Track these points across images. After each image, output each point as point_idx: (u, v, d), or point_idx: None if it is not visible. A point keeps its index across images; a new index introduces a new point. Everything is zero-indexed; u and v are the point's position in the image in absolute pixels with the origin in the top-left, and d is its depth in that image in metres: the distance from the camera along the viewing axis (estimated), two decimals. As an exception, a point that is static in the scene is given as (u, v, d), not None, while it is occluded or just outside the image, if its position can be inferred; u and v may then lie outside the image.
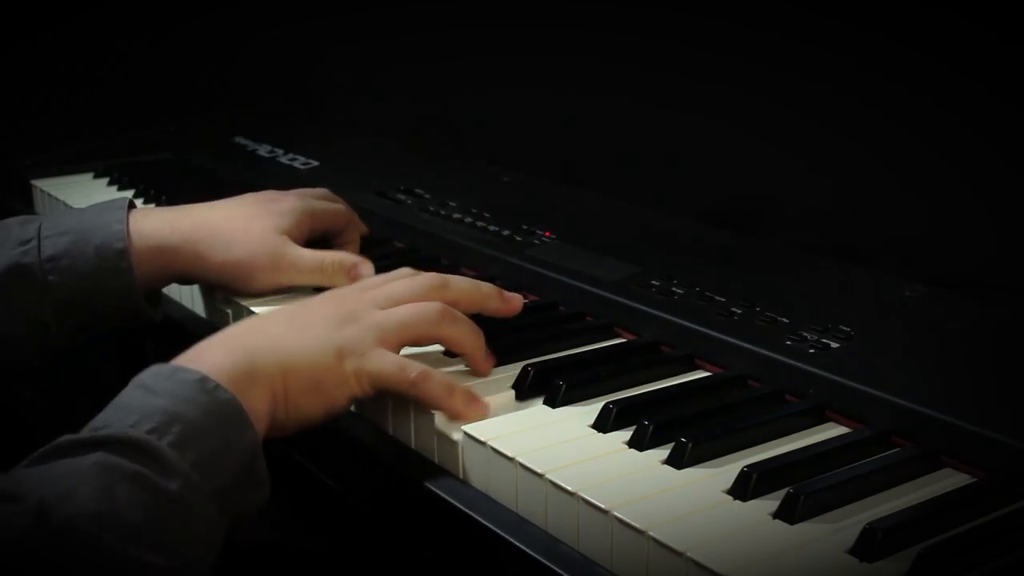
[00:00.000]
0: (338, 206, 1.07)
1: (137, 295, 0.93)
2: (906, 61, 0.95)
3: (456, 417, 0.75)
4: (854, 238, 1.01)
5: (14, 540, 0.57)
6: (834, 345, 0.80)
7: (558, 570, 0.65)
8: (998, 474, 0.67)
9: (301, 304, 0.84)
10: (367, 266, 0.98)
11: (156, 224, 0.95)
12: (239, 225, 0.97)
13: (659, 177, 1.19)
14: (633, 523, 0.61)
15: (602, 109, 1.26)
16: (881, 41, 0.96)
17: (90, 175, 1.50)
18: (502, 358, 0.84)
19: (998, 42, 0.88)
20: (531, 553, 0.66)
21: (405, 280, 0.85)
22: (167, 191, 1.37)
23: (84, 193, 1.40)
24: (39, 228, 0.94)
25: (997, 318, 0.85)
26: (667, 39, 1.15)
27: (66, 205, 1.35)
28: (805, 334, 0.82)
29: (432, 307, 0.81)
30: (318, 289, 0.96)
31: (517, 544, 0.67)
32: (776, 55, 1.05)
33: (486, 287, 0.87)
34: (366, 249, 1.16)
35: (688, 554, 0.58)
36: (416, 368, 0.76)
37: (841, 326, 0.82)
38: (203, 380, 0.69)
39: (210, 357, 0.72)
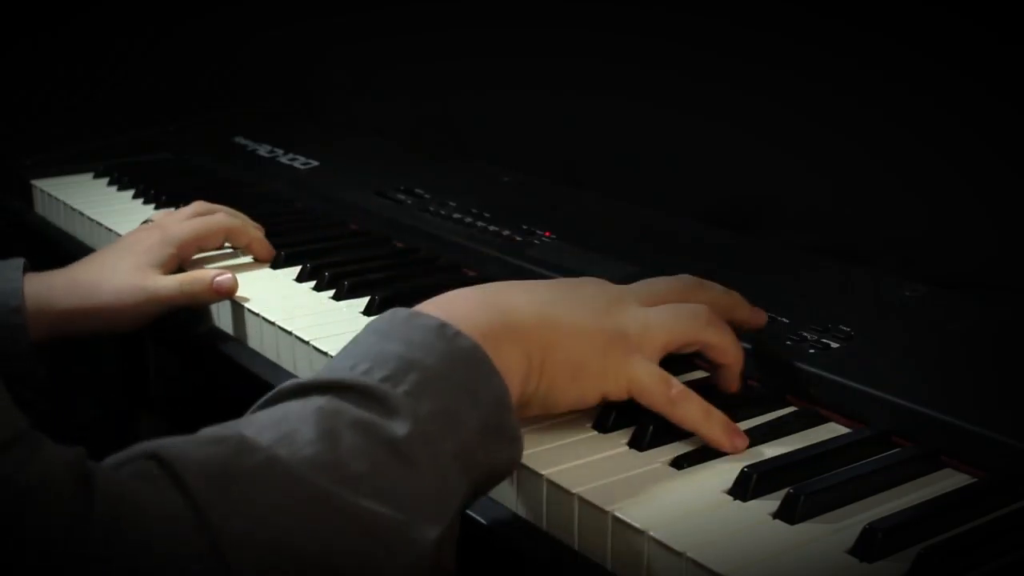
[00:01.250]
0: (209, 221, 1.10)
1: (28, 350, 0.95)
2: (906, 61, 0.94)
3: (716, 446, 0.70)
4: (854, 238, 1.01)
5: (211, 476, 0.53)
6: (834, 345, 0.80)
7: (556, 570, 0.65)
8: (998, 474, 0.66)
9: (560, 279, 0.79)
10: (225, 276, 1.00)
11: (37, 288, 0.98)
12: (104, 271, 1.01)
13: (659, 177, 1.19)
14: (633, 523, 0.61)
15: (602, 109, 1.26)
16: (881, 41, 0.96)
17: (90, 175, 1.50)
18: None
19: (998, 42, 0.88)
20: (529, 552, 0.66)
21: (664, 278, 0.80)
22: (167, 191, 1.37)
23: (84, 193, 1.40)
24: None
25: (997, 318, 0.85)
26: (667, 39, 1.15)
27: (66, 205, 1.35)
28: (805, 334, 0.82)
29: (699, 309, 0.75)
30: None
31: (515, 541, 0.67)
32: (776, 55, 1.05)
33: (736, 294, 0.81)
34: (366, 248, 1.16)
35: (688, 554, 0.58)
36: (678, 386, 0.71)
37: (841, 326, 0.82)
38: (443, 326, 0.64)
39: (460, 308, 0.67)
